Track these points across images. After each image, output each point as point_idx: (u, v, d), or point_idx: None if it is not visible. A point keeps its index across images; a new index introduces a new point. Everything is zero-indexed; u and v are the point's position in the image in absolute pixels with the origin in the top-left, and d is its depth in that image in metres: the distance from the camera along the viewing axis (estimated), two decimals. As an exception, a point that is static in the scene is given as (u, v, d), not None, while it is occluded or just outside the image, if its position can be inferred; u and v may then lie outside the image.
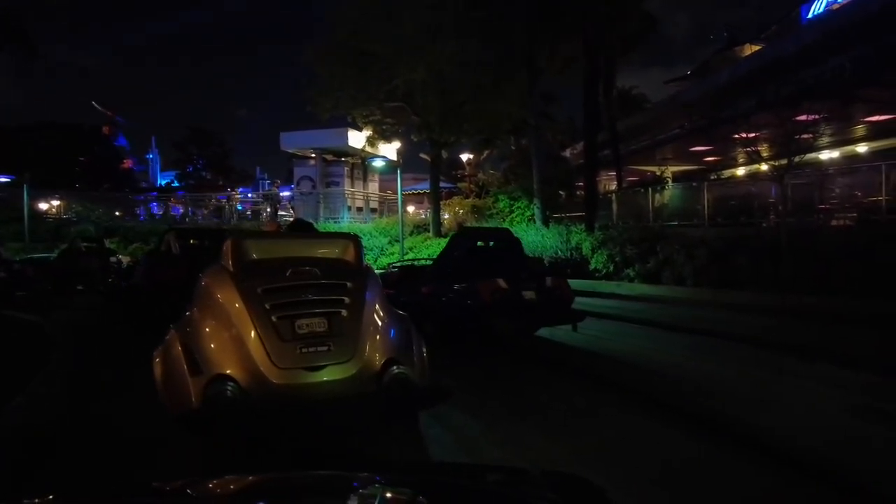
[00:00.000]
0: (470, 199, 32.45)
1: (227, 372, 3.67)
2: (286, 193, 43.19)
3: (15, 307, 13.83)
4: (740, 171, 31.17)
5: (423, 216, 35.07)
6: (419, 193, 41.62)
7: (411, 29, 22.50)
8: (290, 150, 38.62)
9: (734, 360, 7.29)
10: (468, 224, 27.18)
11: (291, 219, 26.98)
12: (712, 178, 29.34)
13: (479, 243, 9.82)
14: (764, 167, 14.43)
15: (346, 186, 37.43)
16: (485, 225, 25.83)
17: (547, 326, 8.63)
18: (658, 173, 33.33)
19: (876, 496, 3.44)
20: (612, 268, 16.62)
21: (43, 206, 34.92)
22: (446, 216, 31.48)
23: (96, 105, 75.73)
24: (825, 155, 26.48)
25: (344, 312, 4.05)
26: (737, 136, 15.28)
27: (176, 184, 64.86)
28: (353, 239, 4.91)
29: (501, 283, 8.05)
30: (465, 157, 38.52)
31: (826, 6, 26.55)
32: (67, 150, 53.99)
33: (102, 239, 24.85)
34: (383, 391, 3.91)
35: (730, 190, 23.25)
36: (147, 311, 9.78)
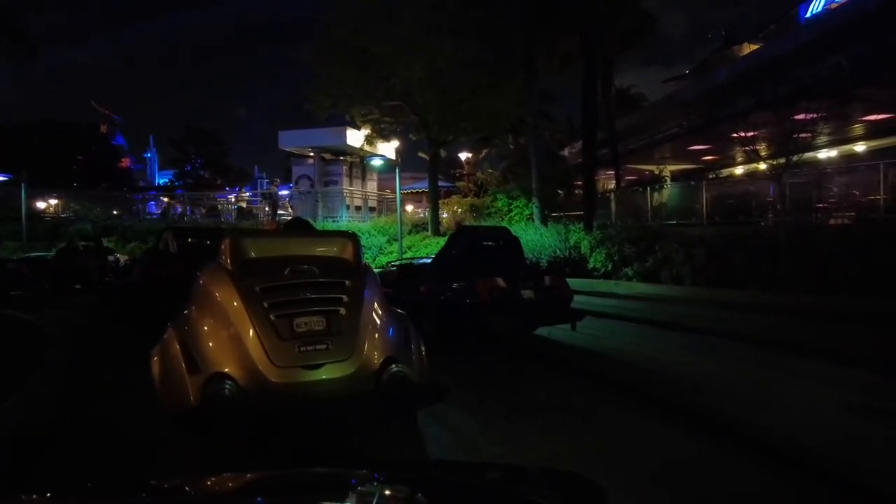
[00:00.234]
0: (468, 198, 32.45)
1: (226, 370, 3.67)
2: (284, 192, 43.14)
3: (11, 306, 13.81)
4: (739, 171, 31.17)
5: (422, 215, 35.06)
6: (418, 192, 41.62)
7: (409, 28, 22.48)
8: (288, 149, 38.59)
9: (733, 359, 7.30)
10: (467, 223, 27.18)
11: (289, 217, 26.94)
12: (710, 177, 29.36)
13: (478, 242, 9.81)
14: (762, 166, 14.45)
15: (345, 185, 37.40)
16: (483, 224, 25.81)
17: (545, 325, 8.63)
18: (656, 172, 33.35)
19: (876, 495, 3.44)
20: (610, 267, 16.62)
21: (41, 204, 34.85)
22: (445, 215, 31.48)
23: (94, 104, 75.59)
24: (823, 154, 26.49)
25: (342, 311, 4.05)
26: (735, 135, 15.29)
27: (174, 182, 64.78)
28: (352, 237, 4.90)
29: (500, 281, 8.06)
30: (463, 156, 38.51)
31: (824, 5, 26.59)
32: (65, 149, 53.88)
33: (100, 238, 24.82)
34: (382, 390, 3.91)
35: (728, 189, 23.26)
36: (145, 310, 9.79)
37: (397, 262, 14.90)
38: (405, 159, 33.53)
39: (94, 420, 5.07)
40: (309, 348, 3.82)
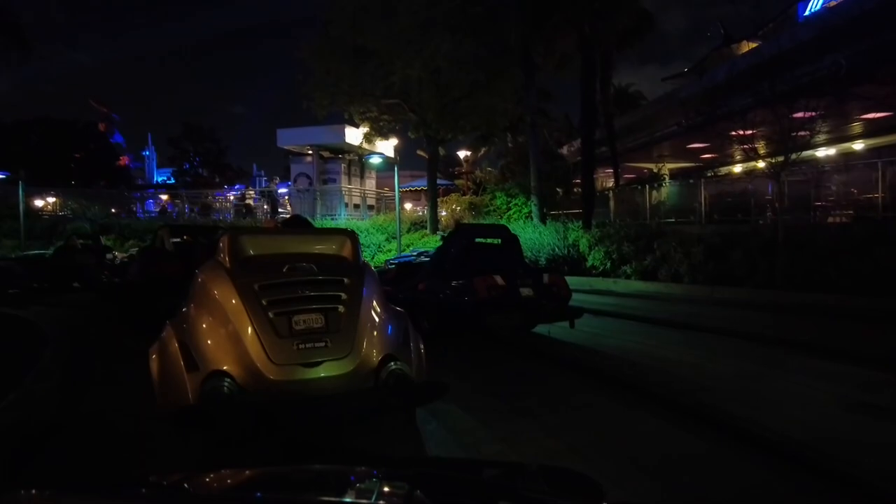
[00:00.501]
0: (467, 197, 32.46)
1: (224, 368, 3.67)
2: (283, 190, 43.12)
3: (7, 304, 13.78)
4: (737, 169, 31.17)
5: (421, 213, 35.07)
6: (416, 190, 41.61)
7: (407, 26, 22.48)
8: (286, 147, 38.59)
9: (731, 356, 7.33)
10: (465, 221, 27.17)
11: (288, 215, 26.95)
12: (709, 175, 29.39)
13: (477, 240, 9.82)
14: (761, 164, 14.46)
15: (343, 183, 37.41)
16: (482, 222, 25.82)
17: (544, 323, 8.64)
18: (655, 170, 33.35)
19: (873, 492, 3.45)
20: (608, 265, 16.63)
21: (38, 203, 34.81)
22: (443, 213, 31.46)
23: (93, 102, 75.35)
24: (821, 152, 26.50)
25: (341, 308, 4.05)
26: (734, 133, 15.29)
27: (172, 181, 64.70)
28: (350, 235, 4.90)
29: (498, 279, 8.06)
30: (462, 154, 38.51)
31: (823, 3, 26.55)
32: (63, 147, 53.82)
33: (98, 236, 24.80)
34: (380, 387, 3.91)
35: (727, 187, 23.29)
36: (142, 308, 9.82)
37: (395, 261, 14.93)
38: (404, 157, 33.53)
39: (91, 417, 5.07)
40: (308, 346, 3.82)
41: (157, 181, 72.62)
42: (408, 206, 39.10)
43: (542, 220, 21.78)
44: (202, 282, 4.26)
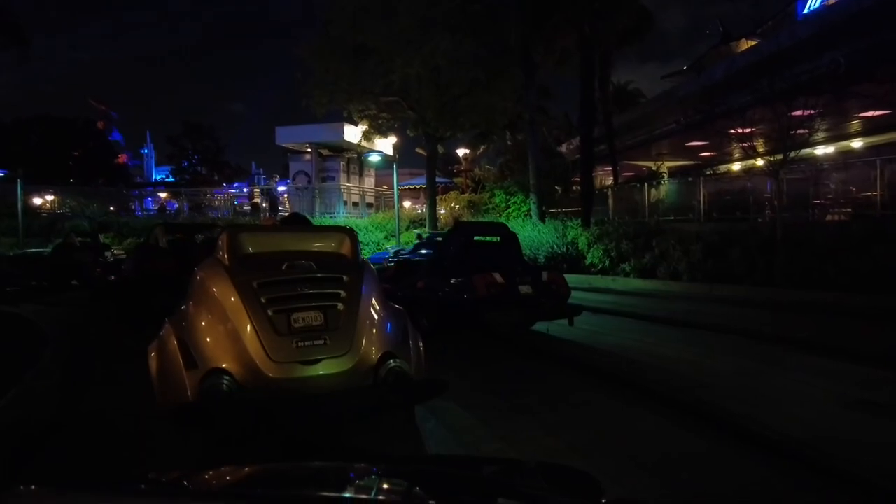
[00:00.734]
0: (466, 194, 32.46)
1: (223, 366, 3.67)
2: (282, 188, 43.08)
3: (5, 302, 13.78)
4: (736, 167, 31.18)
5: (420, 211, 35.05)
6: (415, 188, 41.60)
7: (407, 25, 22.44)
8: (285, 145, 38.55)
9: (729, 354, 7.33)
10: (464, 219, 27.18)
11: (287, 213, 26.89)
12: (708, 173, 29.38)
13: (476, 238, 9.82)
14: (759, 162, 14.46)
15: (342, 181, 37.39)
16: (481, 220, 25.82)
17: (543, 321, 8.65)
18: (654, 168, 33.37)
19: (872, 490, 3.46)
20: (607, 263, 16.64)
21: (37, 200, 34.77)
22: (442, 211, 31.46)
23: (91, 100, 75.31)
24: (820, 150, 26.50)
25: (340, 306, 4.04)
26: (733, 131, 15.30)
27: (171, 179, 64.63)
28: (349, 233, 4.90)
29: (497, 277, 8.07)
30: (461, 152, 38.50)
31: (822, 1, 26.52)
32: (61, 145, 53.75)
33: (97, 234, 24.76)
34: (380, 385, 3.91)
35: (725, 185, 23.29)
36: (136, 305, 9.87)
37: (394, 253, 14.93)
38: (403, 155, 33.50)
39: (92, 416, 5.07)
40: (307, 343, 3.82)
41: (155, 179, 72.54)
42: (407, 204, 39.08)
43: (541, 217, 21.78)
44: (201, 279, 4.25)
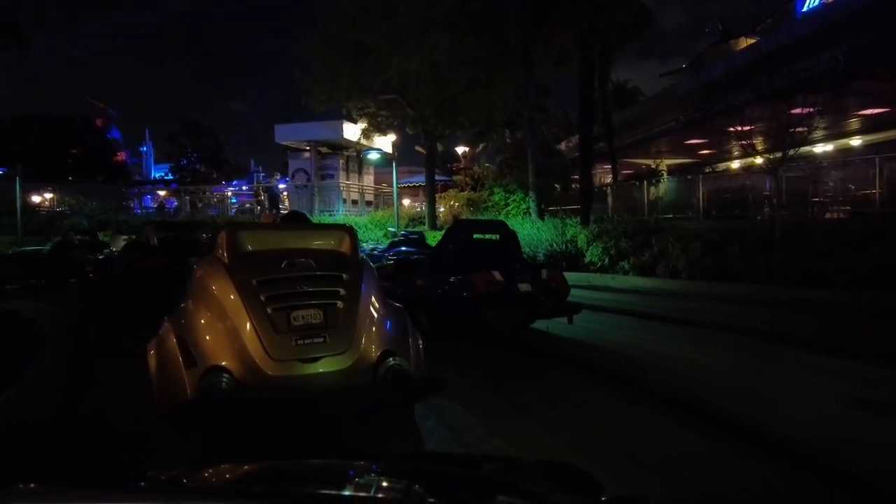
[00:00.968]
0: (465, 192, 32.47)
1: (223, 364, 3.66)
2: (281, 186, 43.07)
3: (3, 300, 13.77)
4: (735, 165, 31.20)
5: (419, 209, 35.08)
6: (414, 186, 41.61)
7: (406, 23, 22.44)
8: (284, 143, 38.51)
9: (728, 352, 7.33)
10: (463, 217, 27.17)
11: (286, 211, 26.90)
12: (707, 171, 29.38)
13: (475, 236, 9.82)
14: (759, 160, 14.47)
15: (341, 179, 37.38)
16: (480, 217, 25.82)
17: (542, 319, 8.64)
18: (653, 166, 33.39)
19: (869, 486, 3.46)
20: (606, 261, 16.64)
21: (36, 198, 34.75)
22: (442, 209, 31.48)
23: (90, 99, 75.30)
24: (819, 148, 26.52)
25: (339, 304, 4.04)
26: (732, 129, 15.32)
27: (170, 177, 64.59)
28: (349, 230, 4.89)
29: (497, 275, 8.06)
30: (460, 150, 38.51)
31: (821, -1, 26.53)
32: (60, 143, 53.73)
33: (96, 232, 24.75)
34: (379, 383, 3.91)
35: (724, 183, 23.31)
36: (130, 304, 9.89)
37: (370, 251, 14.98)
38: (402, 153, 33.52)
39: (92, 416, 5.07)
40: (306, 341, 3.81)
41: (154, 177, 72.50)
42: (406, 202, 39.10)
43: (541, 215, 21.78)
44: (200, 277, 4.25)
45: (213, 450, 3.92)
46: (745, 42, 31.89)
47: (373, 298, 4.27)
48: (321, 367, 3.80)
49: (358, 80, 25.82)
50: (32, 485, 1.30)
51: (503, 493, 1.58)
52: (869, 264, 10.82)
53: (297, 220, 6.32)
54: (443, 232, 14.37)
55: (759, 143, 14.79)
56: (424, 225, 29.03)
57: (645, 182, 24.13)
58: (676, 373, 6.15)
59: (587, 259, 17.35)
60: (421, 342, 4.50)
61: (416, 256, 13.53)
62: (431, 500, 1.54)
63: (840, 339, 7.63)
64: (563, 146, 37.33)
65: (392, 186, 28.62)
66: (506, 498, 1.56)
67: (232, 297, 3.87)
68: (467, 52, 22.84)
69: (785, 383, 5.76)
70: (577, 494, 1.67)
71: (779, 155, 13.15)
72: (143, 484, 1.51)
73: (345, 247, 4.70)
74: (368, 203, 39.81)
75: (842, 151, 26.49)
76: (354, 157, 38.80)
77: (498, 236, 9.68)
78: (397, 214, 26.67)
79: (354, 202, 38.33)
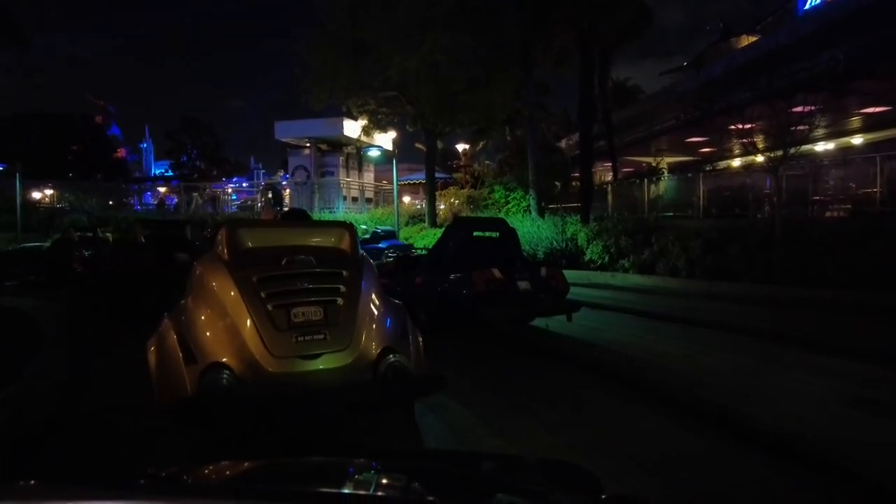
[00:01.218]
0: (465, 190, 32.45)
1: (223, 361, 3.66)
2: (283, 183, 43.03)
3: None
4: (735, 163, 31.19)
5: (419, 206, 35.07)
6: (414, 184, 41.57)
7: (406, 21, 22.42)
8: (284, 140, 38.50)
9: (728, 351, 7.33)
10: (463, 214, 27.17)
11: (286, 208, 26.82)
12: (707, 169, 29.38)
13: (475, 233, 9.81)
14: (759, 159, 14.46)
15: (342, 176, 37.35)
16: (480, 215, 25.81)
17: (542, 317, 8.64)
18: (653, 164, 33.36)
19: (872, 488, 3.46)
20: (606, 259, 16.63)
21: (36, 195, 34.71)
22: (442, 206, 31.47)
23: (89, 96, 75.30)
24: (820, 147, 26.52)
25: (339, 301, 4.03)
26: (732, 127, 15.32)
27: (170, 173, 64.58)
28: (348, 227, 4.88)
29: (496, 272, 8.06)
30: (460, 147, 38.51)
31: (822, -2, 26.51)
32: (60, 140, 53.74)
33: (96, 228, 24.73)
34: (379, 380, 3.91)
35: (725, 181, 23.31)
36: (125, 303, 9.93)
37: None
38: (402, 151, 33.51)
39: (92, 415, 5.06)
40: (306, 338, 3.81)
41: (154, 174, 72.48)
42: (406, 199, 39.07)
43: (541, 213, 21.77)
44: (200, 274, 4.24)
45: (213, 450, 3.91)
46: (745, 40, 31.88)
47: (373, 296, 4.27)
48: (321, 364, 3.79)
49: (357, 77, 25.80)
50: (33, 482, 1.30)
51: (503, 492, 1.57)
52: (869, 263, 10.81)
53: (297, 218, 6.30)
54: (442, 229, 14.37)
55: (759, 141, 14.78)
56: (424, 222, 29.04)
57: (645, 180, 24.13)
58: (676, 372, 6.14)
59: (587, 257, 17.34)
60: (421, 340, 4.50)
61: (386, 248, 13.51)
62: (431, 497, 1.54)
63: (840, 339, 7.62)
64: (563, 144, 37.31)
65: (392, 184, 28.58)
66: (505, 496, 1.56)
67: (232, 293, 3.87)
68: (467, 51, 22.81)
69: (785, 383, 5.76)
70: (577, 493, 1.67)
71: (779, 153, 13.14)
72: (143, 482, 1.51)
73: (345, 244, 4.69)
74: (368, 200, 39.78)
75: (842, 150, 26.49)
76: (354, 154, 38.77)
77: (498, 234, 9.68)
78: (397, 212, 26.65)
79: (355, 199, 38.31)
